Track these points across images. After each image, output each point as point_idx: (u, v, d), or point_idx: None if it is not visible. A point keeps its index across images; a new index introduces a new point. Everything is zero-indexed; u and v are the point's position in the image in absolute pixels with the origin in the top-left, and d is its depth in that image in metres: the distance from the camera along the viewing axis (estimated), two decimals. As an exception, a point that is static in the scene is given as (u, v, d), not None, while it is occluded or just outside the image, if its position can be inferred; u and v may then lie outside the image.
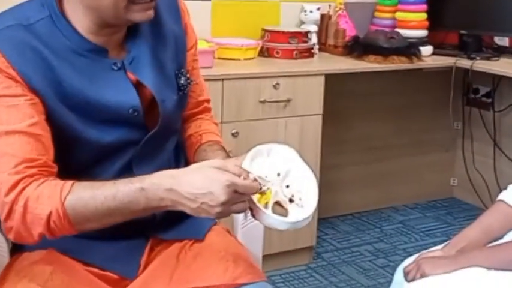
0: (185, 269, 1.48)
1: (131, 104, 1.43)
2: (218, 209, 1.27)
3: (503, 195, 1.81)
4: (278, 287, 2.95)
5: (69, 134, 1.39)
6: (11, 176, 1.30)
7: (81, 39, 1.39)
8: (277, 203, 1.38)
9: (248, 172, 1.33)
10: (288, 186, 1.40)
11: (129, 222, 1.44)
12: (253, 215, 1.36)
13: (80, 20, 1.39)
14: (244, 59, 3.01)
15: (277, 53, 3.11)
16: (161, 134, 1.51)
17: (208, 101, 1.72)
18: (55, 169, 1.36)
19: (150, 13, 1.41)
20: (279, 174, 1.39)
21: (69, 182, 1.31)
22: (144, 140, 1.48)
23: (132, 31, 1.46)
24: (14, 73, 1.32)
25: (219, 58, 2.95)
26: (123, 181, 1.31)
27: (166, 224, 1.55)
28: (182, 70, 1.56)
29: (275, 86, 2.85)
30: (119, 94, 1.42)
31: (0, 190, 1.30)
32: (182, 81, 1.55)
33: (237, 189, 1.27)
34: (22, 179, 1.30)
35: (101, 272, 1.47)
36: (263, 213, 1.32)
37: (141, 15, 1.39)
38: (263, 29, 3.19)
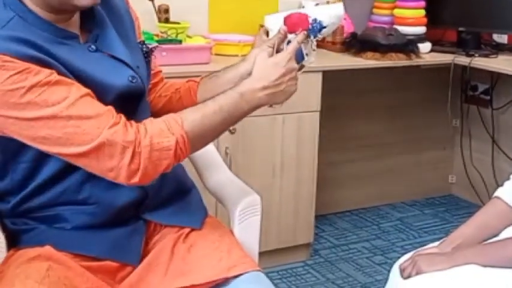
0: (180, 261, 1.51)
1: (127, 73, 1.46)
2: (296, 75, 1.50)
3: (499, 192, 1.80)
4: (275, 283, 2.94)
5: None
6: (117, 123, 1.34)
7: (55, 29, 1.40)
8: None
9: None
10: None
11: (124, 207, 1.49)
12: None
13: (40, 12, 1.39)
14: (242, 55, 2.98)
15: (275, 49, 3.10)
16: (144, 100, 1.56)
17: (161, 71, 1.77)
18: None
19: None
20: None
21: (174, 114, 1.41)
22: (140, 107, 1.52)
23: (87, 12, 1.47)
24: (30, 62, 1.31)
25: (216, 54, 2.94)
26: (218, 96, 1.45)
27: (159, 205, 1.57)
28: (139, 40, 1.61)
29: (273, 83, 2.84)
30: (110, 67, 1.44)
31: (114, 139, 1.32)
32: (144, 49, 1.60)
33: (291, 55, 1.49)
34: (124, 122, 1.35)
35: (99, 263, 1.48)
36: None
37: (86, 1, 1.39)
38: (261, 25, 3.18)
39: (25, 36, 1.33)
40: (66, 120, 1.31)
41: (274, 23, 1.59)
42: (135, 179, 1.35)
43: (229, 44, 2.99)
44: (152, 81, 1.70)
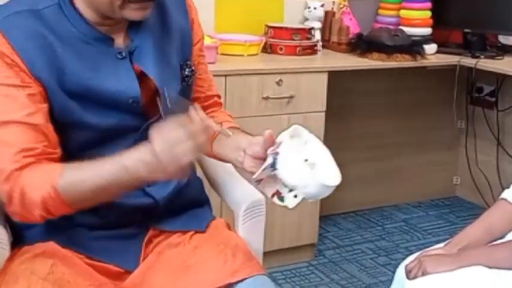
0: (184, 262, 1.50)
1: (131, 94, 1.44)
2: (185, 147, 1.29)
3: (505, 194, 1.80)
4: (279, 283, 2.94)
5: (69, 119, 1.41)
6: (9, 164, 1.34)
7: (88, 28, 1.41)
8: None
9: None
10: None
11: (131, 212, 1.48)
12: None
13: (85, 10, 1.41)
14: (248, 55, 3.00)
15: (281, 49, 3.11)
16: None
17: (218, 96, 1.74)
18: (57, 155, 1.40)
19: (146, 12, 1.42)
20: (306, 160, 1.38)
21: (58, 166, 1.36)
22: (144, 127, 1.48)
23: (137, 21, 1.46)
24: (18, 60, 1.34)
25: (222, 54, 2.94)
26: (107, 161, 1.34)
27: (168, 215, 1.56)
28: (188, 62, 1.57)
29: (278, 83, 2.84)
30: (120, 84, 1.43)
31: (2, 174, 1.34)
32: (186, 73, 1.56)
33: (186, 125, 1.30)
34: (19, 168, 1.34)
35: (102, 264, 1.48)
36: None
37: (136, 13, 1.41)
38: (266, 25, 3.18)
39: (45, 31, 1.36)
40: None
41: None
42: (16, 218, 1.40)
43: (235, 44, 2.99)
44: (200, 105, 1.63)
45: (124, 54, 1.45)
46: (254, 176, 1.39)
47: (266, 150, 1.38)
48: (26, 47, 1.35)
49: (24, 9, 1.38)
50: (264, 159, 1.38)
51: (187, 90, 1.60)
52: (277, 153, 1.34)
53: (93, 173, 1.34)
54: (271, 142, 1.38)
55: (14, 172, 1.34)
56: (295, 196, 1.37)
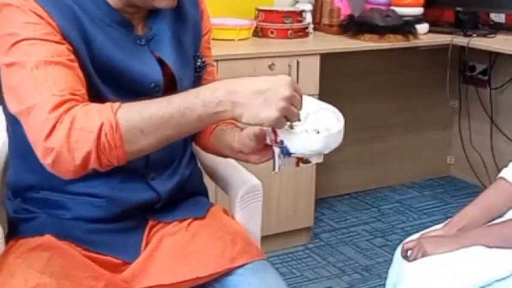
0: (183, 250, 1.49)
1: (154, 78, 1.43)
2: (282, 103, 1.21)
3: (504, 173, 1.79)
4: (276, 268, 2.93)
5: (93, 95, 1.33)
6: (55, 97, 1.23)
7: (110, 10, 1.40)
8: None
9: None
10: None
11: (133, 206, 1.47)
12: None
13: None
14: (239, 40, 2.98)
15: (272, 33, 3.08)
16: None
17: None
18: None
19: (175, 1, 1.43)
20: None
21: (116, 103, 1.25)
22: None
23: (154, 9, 1.46)
24: (54, 24, 1.30)
25: (213, 39, 2.86)
26: (175, 95, 1.26)
27: (167, 207, 1.55)
28: (198, 53, 1.58)
29: (270, 67, 2.82)
30: (144, 67, 1.43)
31: (42, 108, 1.22)
32: (199, 63, 1.56)
33: (296, 88, 1.24)
34: (68, 100, 1.24)
35: (100, 256, 1.46)
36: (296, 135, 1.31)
37: (166, 2, 1.41)
38: (257, 9, 3.15)
39: (73, 4, 1.33)
40: (31, 70, 1.26)
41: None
42: (48, 160, 1.23)
43: (226, 29, 2.97)
44: None
45: (143, 41, 1.44)
46: (275, 172, 1.37)
47: (264, 142, 1.38)
48: (59, 15, 1.31)
49: None
50: (265, 146, 1.39)
51: (198, 82, 1.57)
52: (282, 142, 1.32)
53: (159, 101, 1.24)
54: (264, 135, 1.36)
55: (64, 103, 1.22)
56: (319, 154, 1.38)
